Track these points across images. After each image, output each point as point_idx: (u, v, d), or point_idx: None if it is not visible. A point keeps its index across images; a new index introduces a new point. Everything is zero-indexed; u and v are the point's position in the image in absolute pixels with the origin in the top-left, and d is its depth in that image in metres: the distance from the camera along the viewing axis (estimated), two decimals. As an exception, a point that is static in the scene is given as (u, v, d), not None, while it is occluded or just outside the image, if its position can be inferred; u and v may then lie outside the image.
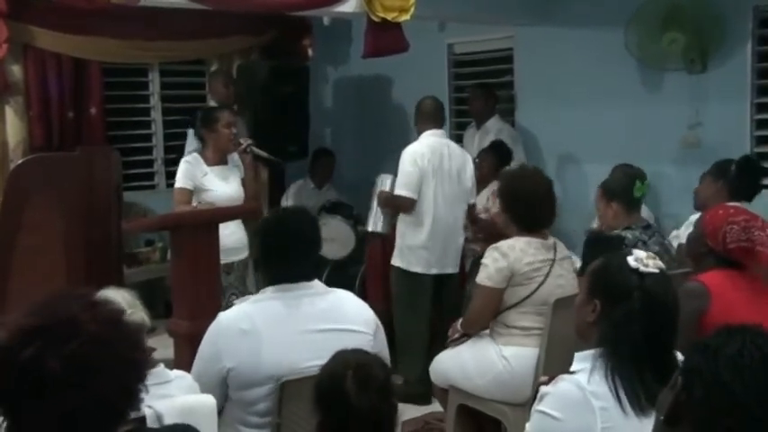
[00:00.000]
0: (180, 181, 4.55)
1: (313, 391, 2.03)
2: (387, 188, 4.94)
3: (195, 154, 4.70)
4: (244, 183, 4.71)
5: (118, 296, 2.25)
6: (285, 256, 2.72)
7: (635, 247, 3.52)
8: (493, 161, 5.57)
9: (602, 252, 2.42)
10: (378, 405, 1.97)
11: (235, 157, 4.73)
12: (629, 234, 3.73)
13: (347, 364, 2.03)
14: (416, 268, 4.84)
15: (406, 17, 4.84)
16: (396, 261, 4.92)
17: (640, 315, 2.04)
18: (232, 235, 4.47)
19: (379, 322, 2.86)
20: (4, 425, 1.48)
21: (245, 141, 4.72)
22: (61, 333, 1.45)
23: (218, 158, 4.65)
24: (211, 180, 4.57)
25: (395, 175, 4.89)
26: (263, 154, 4.86)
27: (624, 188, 3.89)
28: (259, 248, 2.82)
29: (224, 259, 4.28)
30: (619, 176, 4.05)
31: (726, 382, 1.40)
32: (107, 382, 1.46)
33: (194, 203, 4.51)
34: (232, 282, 4.51)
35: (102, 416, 1.48)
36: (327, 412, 2.01)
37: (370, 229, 5.15)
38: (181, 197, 4.52)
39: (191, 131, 6.14)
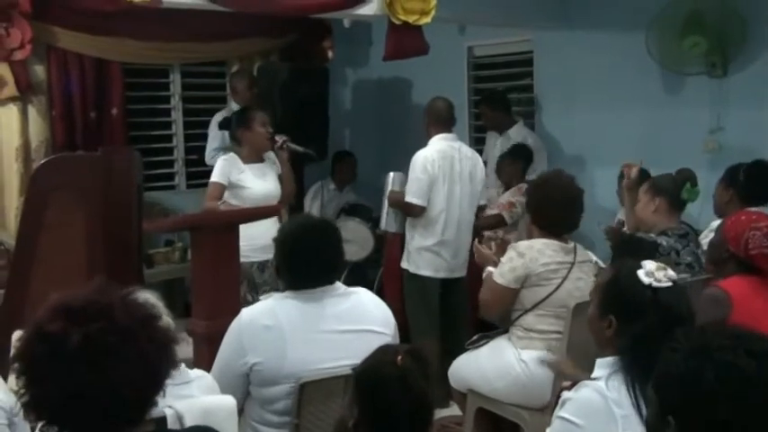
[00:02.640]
0: (215, 176, 4.64)
1: (353, 383, 1.97)
2: (396, 187, 4.93)
3: (232, 153, 4.77)
4: (281, 179, 4.77)
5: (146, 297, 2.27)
6: (306, 271, 2.72)
7: (668, 255, 3.52)
8: (516, 166, 5.56)
9: (633, 256, 2.40)
10: (428, 389, 1.94)
11: (271, 155, 4.78)
12: (663, 241, 3.71)
13: (395, 350, 1.97)
14: (424, 271, 4.83)
15: (426, 20, 4.84)
16: (404, 264, 4.92)
17: (657, 330, 2.01)
18: (267, 233, 4.51)
19: (395, 323, 2.87)
20: (19, 403, 1.53)
21: (280, 138, 4.76)
22: (90, 314, 1.50)
23: (254, 157, 4.72)
24: (248, 178, 4.63)
25: (404, 172, 4.89)
26: (299, 149, 4.92)
27: (673, 186, 3.88)
28: (279, 258, 2.80)
29: (259, 257, 4.36)
30: (670, 175, 4.02)
31: (693, 368, 1.39)
32: (123, 373, 1.49)
33: (233, 202, 4.57)
34: (266, 279, 4.53)
35: (112, 406, 1.50)
36: (371, 400, 1.92)
37: (383, 228, 5.15)
38: (213, 190, 4.59)
39: (212, 132, 6.18)
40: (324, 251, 2.74)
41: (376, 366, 1.97)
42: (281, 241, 2.78)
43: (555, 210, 3.50)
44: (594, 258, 3.67)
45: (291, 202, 5.08)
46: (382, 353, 2.01)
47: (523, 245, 3.46)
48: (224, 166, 4.63)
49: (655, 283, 2.08)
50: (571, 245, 3.51)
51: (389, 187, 4.98)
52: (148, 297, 2.29)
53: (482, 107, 6.20)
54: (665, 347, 1.49)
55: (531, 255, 3.39)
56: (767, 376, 1.36)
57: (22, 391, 1.51)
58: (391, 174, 5.00)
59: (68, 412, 1.49)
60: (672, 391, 1.41)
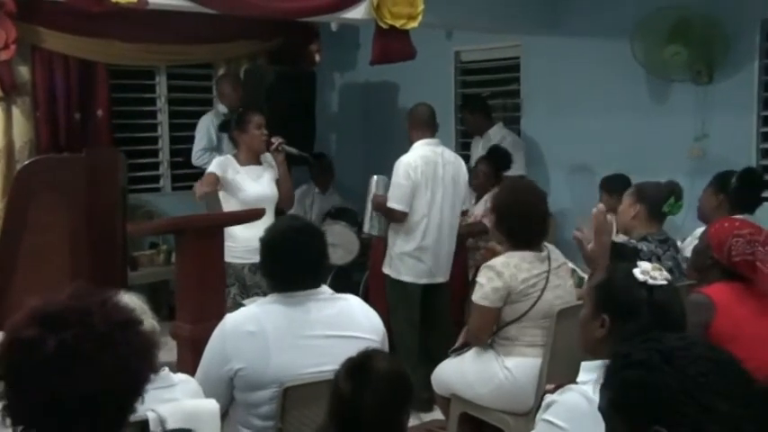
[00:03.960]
0: (210, 167, 4.68)
1: (332, 386, 2.06)
2: (380, 191, 4.91)
3: (228, 155, 4.80)
4: (278, 182, 4.78)
5: (127, 301, 2.26)
6: (289, 274, 2.72)
7: (649, 261, 3.48)
8: (490, 168, 5.58)
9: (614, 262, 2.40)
10: (382, 399, 1.95)
11: (268, 157, 4.80)
12: (644, 247, 3.72)
13: (345, 362, 2.04)
14: (405, 277, 4.82)
15: (413, 24, 4.84)
16: (386, 269, 4.90)
17: (652, 328, 2.02)
18: (260, 235, 4.51)
19: (384, 329, 2.87)
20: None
21: (276, 140, 4.77)
22: (66, 320, 1.48)
23: (251, 159, 4.73)
24: (244, 179, 4.64)
25: (389, 175, 4.88)
26: (294, 151, 4.93)
27: (656, 196, 3.88)
28: (263, 260, 2.80)
29: (251, 259, 4.32)
30: (657, 185, 4.02)
31: (671, 372, 1.41)
32: (100, 380, 1.47)
33: (228, 202, 4.61)
34: (258, 281, 4.50)
35: (90, 411, 1.48)
36: (332, 412, 2.01)
37: (366, 231, 5.14)
38: (206, 178, 4.61)
39: (199, 134, 6.17)
40: (307, 254, 2.74)
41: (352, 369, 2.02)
42: (266, 243, 2.79)
43: (526, 227, 3.46)
44: (570, 264, 3.66)
45: (289, 205, 5.05)
46: (361, 357, 2.04)
47: (499, 263, 3.40)
48: (221, 162, 4.67)
49: (650, 281, 2.09)
50: (545, 252, 3.47)
51: (373, 191, 4.97)
52: (132, 300, 2.29)
53: (463, 111, 6.28)
54: (617, 366, 1.49)
55: (509, 272, 3.35)
56: (732, 362, 1.43)
57: (1, 396, 1.49)
58: (375, 177, 4.99)
59: (45, 419, 1.47)
60: (655, 400, 1.41)
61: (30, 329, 1.47)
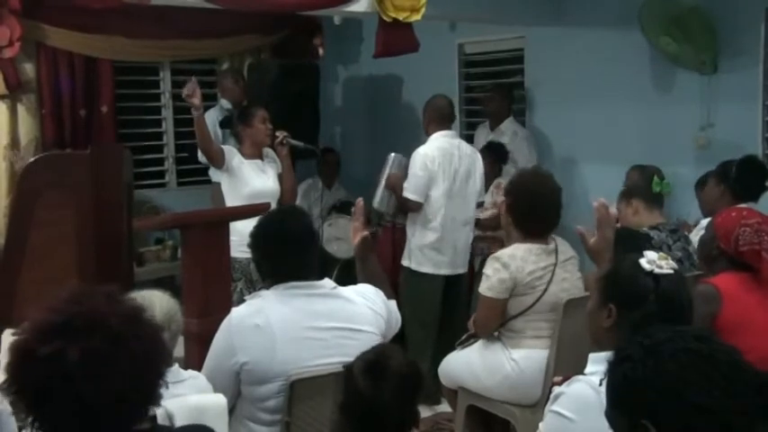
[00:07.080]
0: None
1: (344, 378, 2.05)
2: (395, 170, 4.88)
3: (233, 147, 4.82)
4: (281, 178, 4.80)
5: (163, 301, 2.29)
6: (283, 256, 2.72)
7: (660, 249, 3.46)
8: (491, 159, 5.57)
9: (629, 249, 2.39)
10: (400, 397, 1.95)
11: (271, 153, 4.82)
12: (655, 235, 3.72)
13: (360, 357, 2.02)
14: (426, 269, 4.84)
15: (417, 17, 4.84)
16: (405, 261, 4.91)
17: (658, 318, 2.01)
18: None
19: (392, 316, 2.86)
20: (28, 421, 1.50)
21: (280, 134, 4.78)
22: (82, 328, 1.48)
23: (254, 154, 4.77)
24: (247, 171, 4.67)
25: (406, 156, 4.87)
26: (300, 144, 4.94)
27: (643, 185, 3.89)
28: (257, 253, 2.81)
29: None
30: (635, 175, 4.04)
31: (653, 365, 1.44)
32: (124, 378, 1.48)
33: (231, 195, 4.65)
34: None
35: (119, 410, 1.50)
36: (343, 408, 2.00)
37: (375, 206, 5.10)
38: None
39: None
40: (294, 232, 2.75)
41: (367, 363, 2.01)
42: (255, 234, 2.80)
43: (539, 217, 3.45)
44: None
45: (292, 200, 5.05)
46: (377, 356, 2.04)
47: (506, 254, 3.39)
48: (229, 148, 4.75)
49: (657, 270, 2.09)
50: (552, 245, 3.45)
51: (389, 168, 4.94)
52: (164, 299, 2.31)
53: (494, 92, 6.15)
54: (613, 362, 1.52)
55: (515, 264, 3.34)
56: (717, 354, 1.43)
57: (24, 412, 1.48)
58: (392, 155, 4.95)
59: (74, 424, 1.48)
60: (640, 395, 1.43)
61: (48, 344, 1.45)
